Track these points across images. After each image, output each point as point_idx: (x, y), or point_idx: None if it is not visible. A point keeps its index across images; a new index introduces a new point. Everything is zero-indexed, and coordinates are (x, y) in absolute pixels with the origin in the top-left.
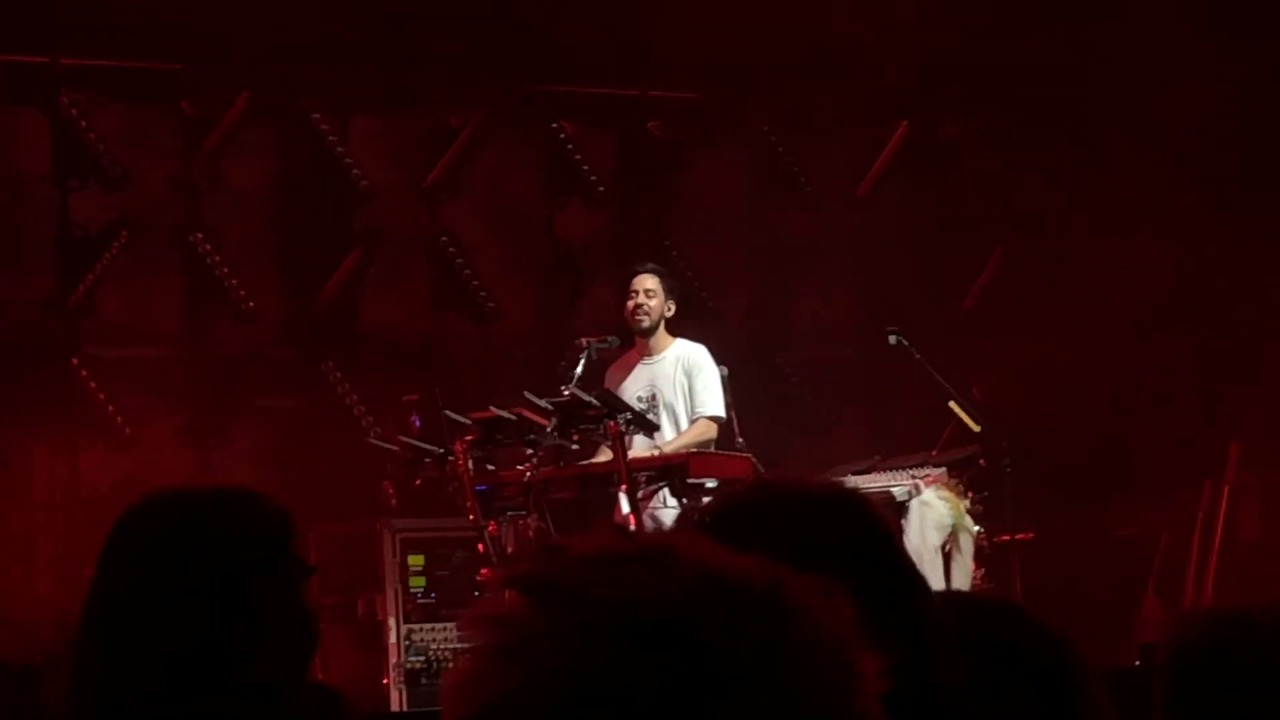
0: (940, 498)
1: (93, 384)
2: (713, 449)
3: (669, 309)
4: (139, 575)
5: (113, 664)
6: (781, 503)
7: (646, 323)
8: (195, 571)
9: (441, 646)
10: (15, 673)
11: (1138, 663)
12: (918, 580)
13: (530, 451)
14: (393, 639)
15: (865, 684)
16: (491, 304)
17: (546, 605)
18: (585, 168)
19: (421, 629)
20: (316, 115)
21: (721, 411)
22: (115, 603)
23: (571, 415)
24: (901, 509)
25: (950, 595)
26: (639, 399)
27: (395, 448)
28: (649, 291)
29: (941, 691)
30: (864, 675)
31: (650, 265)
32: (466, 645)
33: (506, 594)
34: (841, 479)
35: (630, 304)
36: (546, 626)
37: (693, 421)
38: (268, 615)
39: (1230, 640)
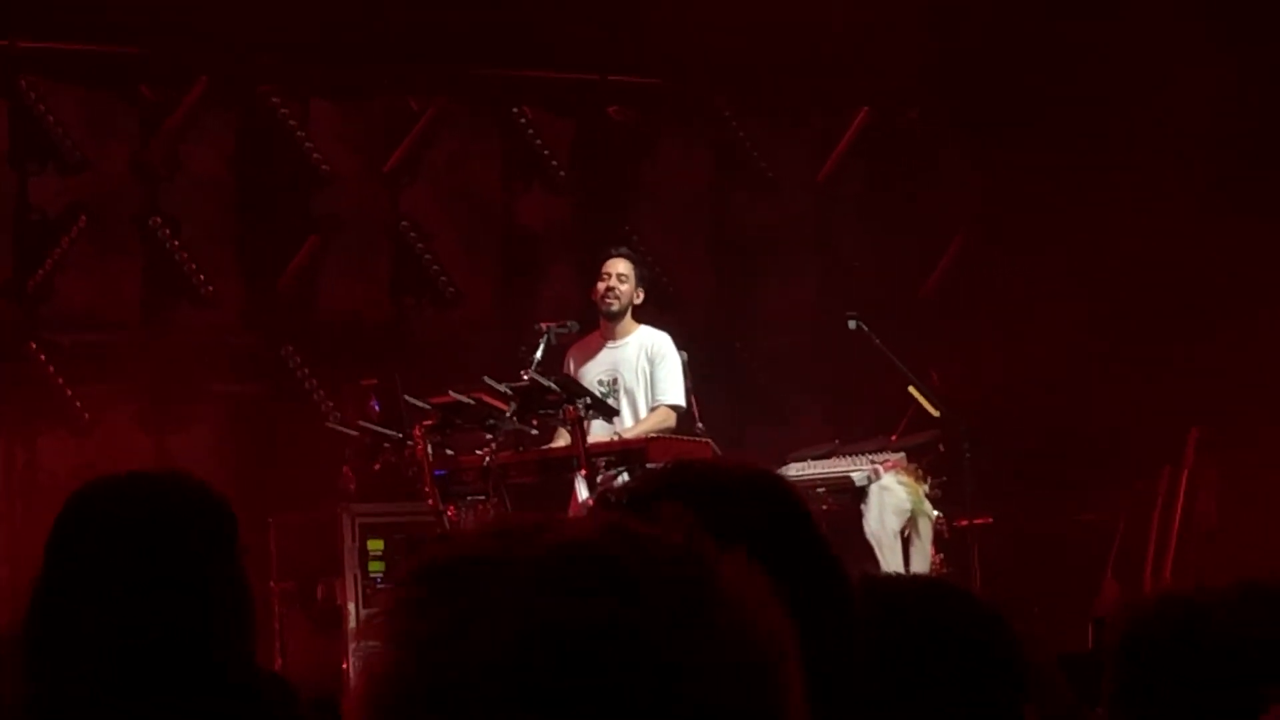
0: (899, 483)
1: (51, 369)
2: (670, 436)
3: (638, 295)
4: (88, 560)
5: (63, 649)
6: (697, 483)
7: (616, 306)
8: (146, 555)
9: None
10: None
11: (1090, 643)
12: (834, 561)
13: (489, 436)
14: (352, 624)
15: (784, 646)
16: (451, 289)
17: (449, 590)
18: (546, 153)
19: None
20: (275, 100)
21: (682, 400)
22: (65, 588)
23: (531, 400)
24: (861, 494)
25: (876, 578)
26: (600, 382)
27: (354, 433)
28: (621, 276)
29: (856, 670)
30: (783, 636)
31: (624, 249)
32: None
33: (407, 588)
34: (799, 461)
35: (602, 286)
36: (453, 610)
37: (653, 409)
38: (218, 597)
39: (1181, 623)
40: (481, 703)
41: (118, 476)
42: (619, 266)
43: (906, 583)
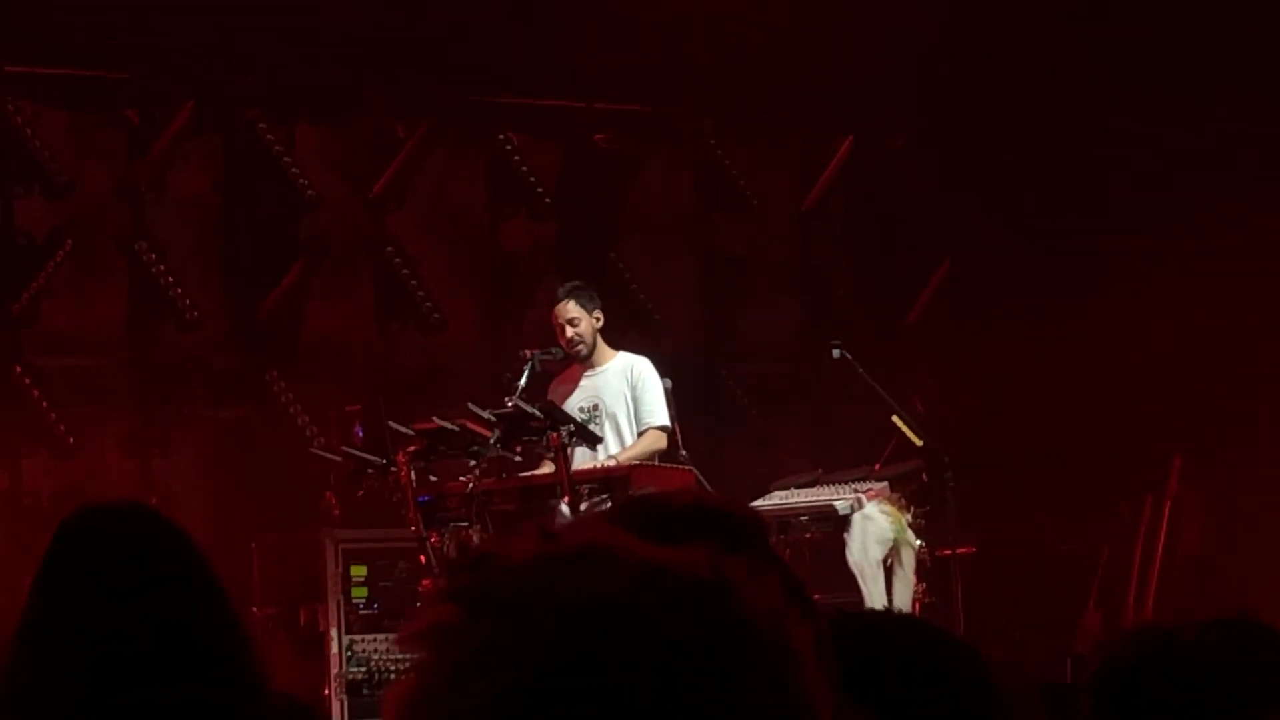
0: (882, 511)
1: (35, 392)
2: (657, 460)
3: (597, 320)
4: (76, 591)
5: (48, 686)
6: (638, 519)
7: (584, 350)
8: (135, 588)
9: (383, 657)
10: None
11: (1070, 677)
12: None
13: (473, 463)
14: (334, 649)
15: (804, 655)
16: (436, 315)
17: (490, 615)
18: (531, 179)
19: (363, 640)
20: (262, 125)
21: (668, 421)
22: (51, 619)
23: (515, 427)
24: (844, 523)
25: (854, 614)
26: (581, 410)
27: (338, 458)
28: (573, 320)
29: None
30: (802, 647)
31: (563, 290)
32: (406, 662)
33: (444, 606)
34: (783, 490)
35: (562, 339)
36: (493, 637)
37: (642, 433)
38: (207, 625)
39: (1156, 655)
40: None
41: (103, 508)
42: (567, 313)
43: (880, 617)
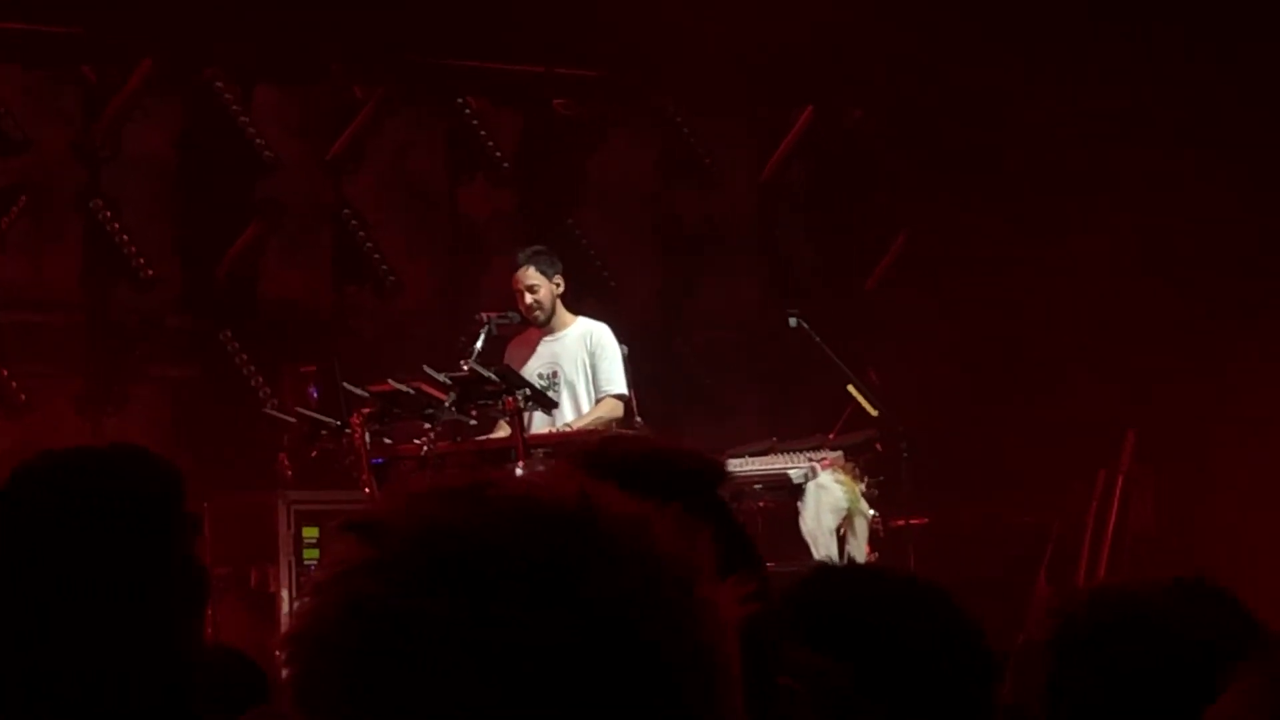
0: (836, 481)
1: None
2: (615, 427)
3: (558, 285)
4: (29, 538)
5: (6, 627)
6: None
7: (542, 316)
8: (89, 531)
9: None
10: None
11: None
12: (742, 529)
13: (428, 426)
14: (285, 611)
15: (693, 601)
16: (392, 278)
17: (367, 542)
18: (490, 144)
19: (298, 600)
20: (219, 84)
21: (625, 390)
22: (5, 566)
23: (470, 390)
24: (798, 491)
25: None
26: (540, 376)
27: (292, 419)
28: (532, 287)
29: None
30: (693, 593)
31: (524, 255)
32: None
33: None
34: (737, 458)
35: (521, 305)
36: (360, 561)
37: (599, 400)
38: (162, 573)
39: (1117, 616)
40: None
41: (55, 454)
42: (527, 279)
43: (846, 571)
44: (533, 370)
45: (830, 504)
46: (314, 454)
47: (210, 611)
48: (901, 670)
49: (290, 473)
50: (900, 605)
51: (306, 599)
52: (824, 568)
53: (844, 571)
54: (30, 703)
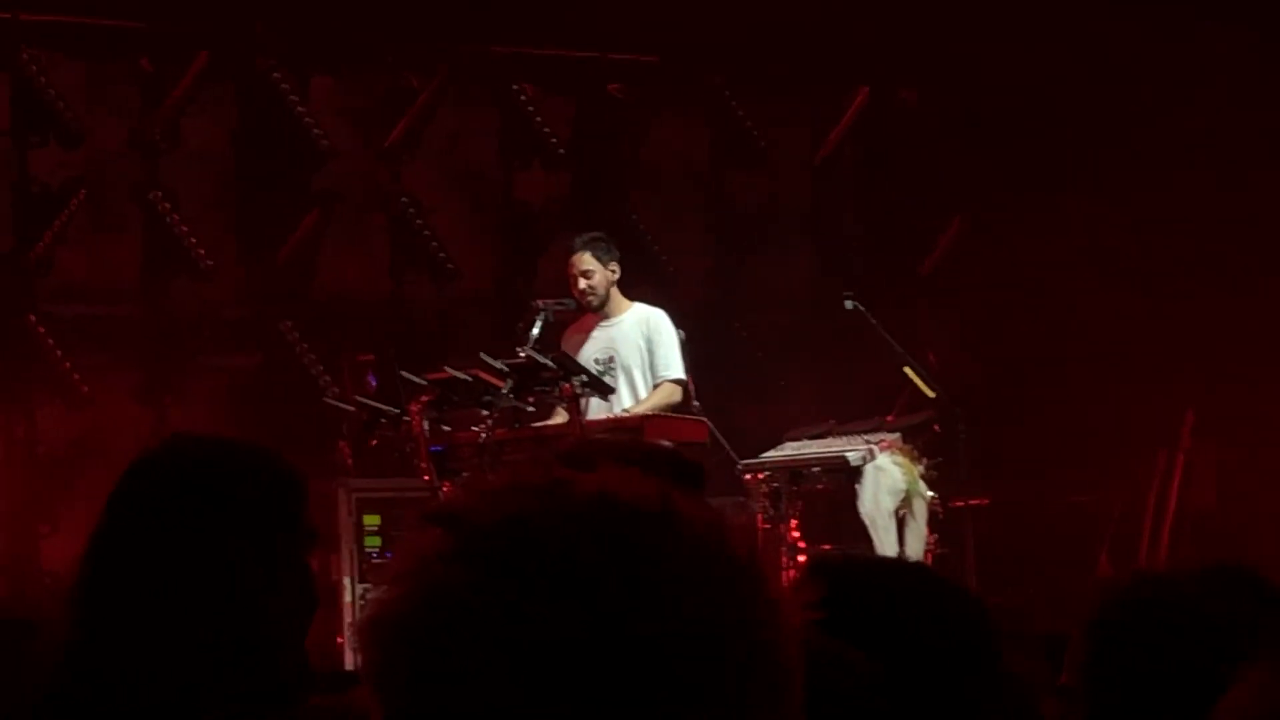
0: (895, 463)
1: (50, 341)
2: (666, 415)
3: (613, 272)
4: (152, 526)
5: (118, 615)
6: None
7: (596, 302)
8: (213, 524)
9: None
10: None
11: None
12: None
13: (485, 413)
14: (348, 598)
15: (763, 602)
16: (449, 265)
17: (448, 533)
18: (545, 130)
19: (376, 589)
20: (276, 75)
21: (683, 374)
22: (125, 552)
23: (527, 377)
24: (856, 474)
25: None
26: (596, 361)
27: (351, 408)
28: (587, 272)
29: None
30: (763, 591)
31: (580, 241)
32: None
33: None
34: (795, 441)
35: (575, 290)
36: (436, 552)
37: (657, 385)
38: (280, 574)
39: (1149, 600)
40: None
41: (187, 441)
42: (582, 264)
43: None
44: (589, 356)
45: (889, 486)
46: (373, 442)
47: None
48: (898, 659)
49: (350, 461)
50: (929, 604)
51: (385, 587)
52: (851, 561)
53: (871, 564)
54: (128, 690)
